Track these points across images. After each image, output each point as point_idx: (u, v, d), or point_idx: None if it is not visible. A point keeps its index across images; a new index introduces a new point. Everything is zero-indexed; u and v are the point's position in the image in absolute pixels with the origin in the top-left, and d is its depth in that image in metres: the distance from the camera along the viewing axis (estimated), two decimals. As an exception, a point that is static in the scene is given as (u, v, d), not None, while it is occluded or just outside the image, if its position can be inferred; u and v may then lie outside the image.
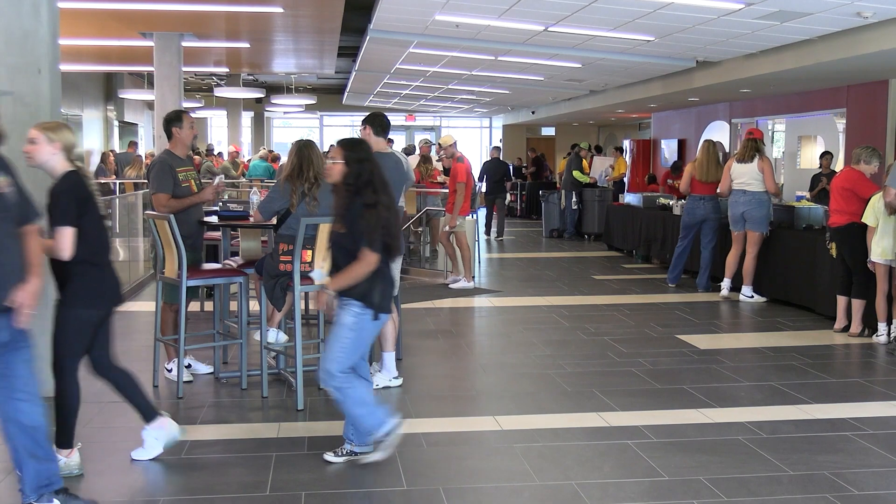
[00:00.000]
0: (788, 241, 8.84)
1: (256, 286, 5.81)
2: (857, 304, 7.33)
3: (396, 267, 5.84)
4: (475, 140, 29.78)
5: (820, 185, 11.28)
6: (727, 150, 14.94)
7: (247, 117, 27.94)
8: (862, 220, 7.13)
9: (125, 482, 4.21)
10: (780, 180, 13.72)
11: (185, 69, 12.21)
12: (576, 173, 15.75)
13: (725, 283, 9.36)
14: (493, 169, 16.42)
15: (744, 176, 9.04)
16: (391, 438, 4.34)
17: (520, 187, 21.16)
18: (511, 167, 22.76)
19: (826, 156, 11.80)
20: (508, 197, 18.96)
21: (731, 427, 5.01)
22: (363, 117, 6.00)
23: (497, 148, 18.48)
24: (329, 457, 4.44)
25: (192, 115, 6.29)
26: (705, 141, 10.24)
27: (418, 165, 12.68)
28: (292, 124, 31.70)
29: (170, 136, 6.01)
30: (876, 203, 7.00)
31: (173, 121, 6.02)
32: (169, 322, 5.93)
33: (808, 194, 11.40)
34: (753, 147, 9.07)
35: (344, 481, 4.19)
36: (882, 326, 7.09)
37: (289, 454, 4.54)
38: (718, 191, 9.57)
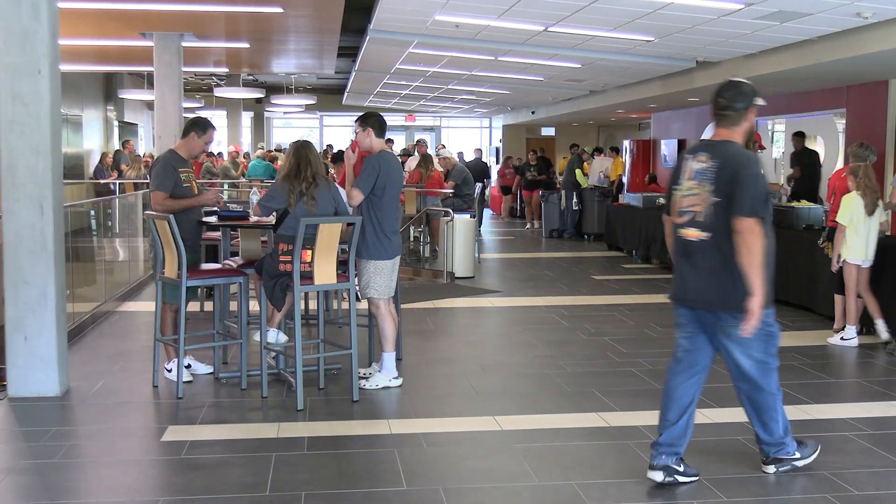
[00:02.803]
0: (788, 241, 8.83)
1: (256, 286, 5.81)
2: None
3: (397, 267, 5.85)
4: (475, 140, 29.77)
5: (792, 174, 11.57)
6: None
7: (247, 117, 27.95)
8: (836, 219, 7.10)
9: (125, 482, 4.21)
10: (780, 180, 13.72)
11: (184, 69, 12.20)
12: (577, 172, 15.81)
13: None
14: (473, 169, 16.79)
15: None
16: None
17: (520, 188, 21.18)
18: (519, 167, 22.89)
19: (798, 136, 12.01)
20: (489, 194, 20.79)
21: (732, 427, 5.00)
22: (357, 117, 5.98)
23: (479, 150, 20.40)
24: None
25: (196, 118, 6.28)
26: None
27: (418, 166, 12.70)
28: (292, 124, 31.69)
29: (184, 135, 6.02)
30: (853, 202, 6.94)
31: (198, 127, 6.00)
32: (168, 322, 5.93)
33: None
34: None
35: (344, 481, 4.18)
36: (851, 330, 7.10)
37: (289, 454, 4.53)
38: None
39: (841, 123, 12.67)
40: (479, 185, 13.96)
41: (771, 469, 4.23)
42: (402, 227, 9.61)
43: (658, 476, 4.11)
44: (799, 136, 12.17)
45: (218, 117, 26.82)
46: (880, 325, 7.09)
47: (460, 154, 20.05)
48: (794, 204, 9.51)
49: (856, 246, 6.98)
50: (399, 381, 5.84)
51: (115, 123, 22.08)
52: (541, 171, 17.90)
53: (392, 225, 5.77)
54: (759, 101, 4.06)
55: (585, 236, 15.75)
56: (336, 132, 29.90)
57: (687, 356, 4.16)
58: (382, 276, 5.73)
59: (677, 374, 4.17)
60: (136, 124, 24.12)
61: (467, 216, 11.30)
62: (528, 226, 18.11)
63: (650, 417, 5.16)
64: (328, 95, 25.24)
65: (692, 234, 4.01)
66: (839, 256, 7.06)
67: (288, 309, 5.53)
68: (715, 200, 3.93)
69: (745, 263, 3.82)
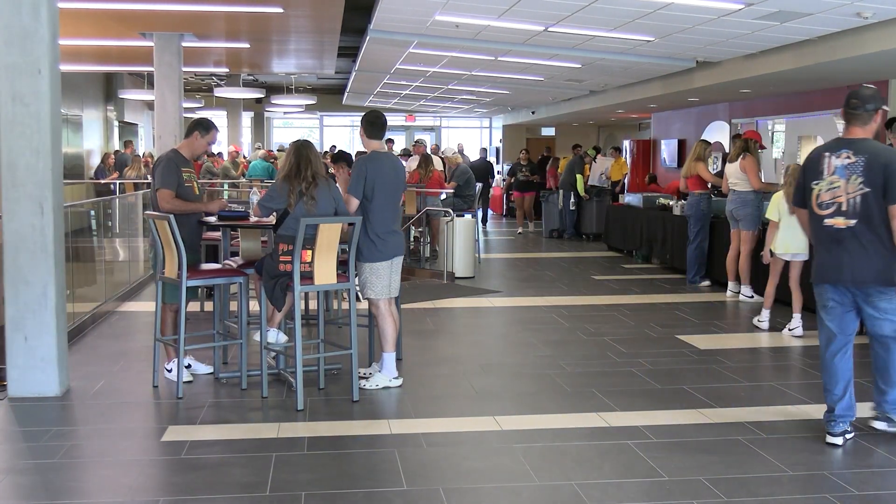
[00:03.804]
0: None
1: (256, 286, 5.81)
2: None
3: (397, 267, 5.85)
4: (475, 140, 29.78)
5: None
6: (726, 151, 14.95)
7: (247, 117, 27.96)
8: (766, 216, 7.74)
9: (125, 482, 4.21)
10: (781, 181, 13.73)
11: (185, 69, 12.20)
12: (578, 178, 15.80)
13: (731, 286, 9.40)
14: (477, 169, 16.79)
15: (732, 176, 9.24)
16: None
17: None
18: (511, 167, 22.92)
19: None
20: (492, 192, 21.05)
21: (731, 427, 5.00)
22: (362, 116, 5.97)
23: (484, 149, 20.81)
24: None
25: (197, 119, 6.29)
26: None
27: (419, 166, 12.70)
28: (292, 124, 31.71)
29: (187, 135, 6.03)
30: (779, 200, 7.46)
31: (201, 127, 6.01)
32: (168, 322, 5.93)
33: None
34: (741, 147, 9.21)
35: (344, 481, 4.19)
36: (797, 318, 7.48)
37: (289, 454, 4.53)
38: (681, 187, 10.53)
39: (841, 123, 12.62)
40: (479, 184, 13.97)
41: (882, 425, 4.81)
42: (403, 227, 9.60)
43: (839, 440, 4.70)
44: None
45: (218, 117, 26.84)
46: (795, 320, 7.46)
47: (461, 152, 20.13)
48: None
49: (781, 241, 7.52)
50: (399, 381, 5.84)
51: (115, 123, 22.09)
52: (533, 171, 17.79)
53: (386, 226, 5.74)
54: (886, 107, 4.70)
55: (584, 236, 15.74)
56: (336, 132, 29.91)
57: (839, 337, 4.71)
58: (379, 277, 5.72)
59: (835, 354, 4.72)
60: (136, 124, 24.12)
61: (468, 216, 11.30)
62: (520, 229, 17.26)
63: (650, 417, 5.17)
64: (328, 95, 25.25)
65: (840, 222, 4.59)
66: (770, 251, 7.68)
67: (288, 309, 5.53)
68: (866, 191, 4.50)
69: None
